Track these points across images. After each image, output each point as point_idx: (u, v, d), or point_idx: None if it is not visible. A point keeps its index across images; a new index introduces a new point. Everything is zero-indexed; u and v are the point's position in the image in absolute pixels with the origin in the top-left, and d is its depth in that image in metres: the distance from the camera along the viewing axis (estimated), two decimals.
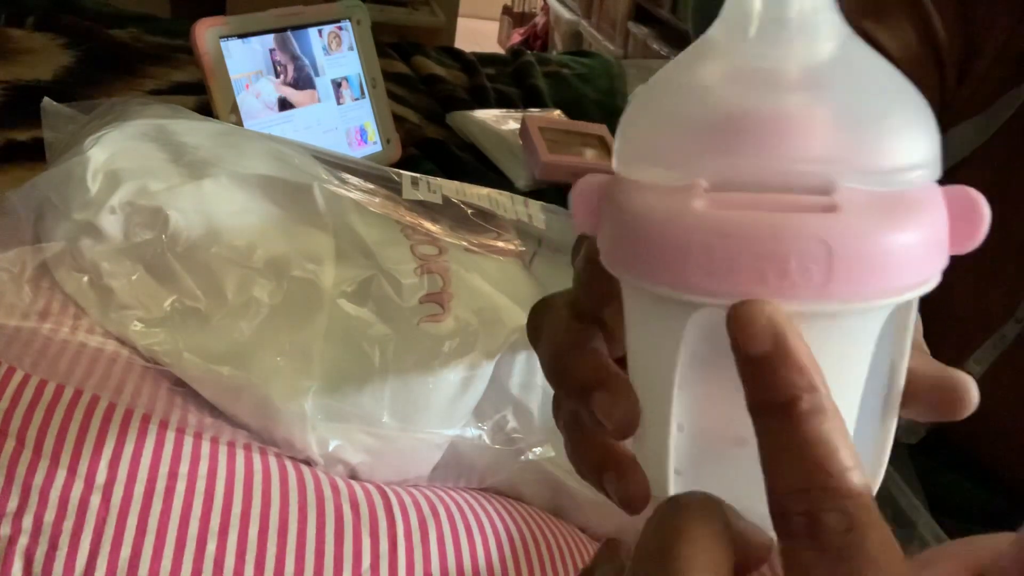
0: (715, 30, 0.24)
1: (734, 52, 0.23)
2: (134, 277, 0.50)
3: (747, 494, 0.23)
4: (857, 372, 0.23)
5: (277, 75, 0.83)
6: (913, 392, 0.25)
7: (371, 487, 0.48)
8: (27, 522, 0.39)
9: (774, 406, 0.20)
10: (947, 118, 0.52)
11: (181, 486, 0.42)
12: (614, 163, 0.24)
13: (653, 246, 0.21)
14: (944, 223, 0.22)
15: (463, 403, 0.52)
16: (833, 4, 0.23)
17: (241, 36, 0.80)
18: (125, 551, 0.40)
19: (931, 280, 0.23)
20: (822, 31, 0.23)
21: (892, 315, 0.23)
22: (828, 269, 0.20)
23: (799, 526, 0.19)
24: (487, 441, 0.53)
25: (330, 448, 0.48)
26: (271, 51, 0.83)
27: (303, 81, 0.86)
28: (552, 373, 0.27)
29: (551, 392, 0.28)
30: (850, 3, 0.56)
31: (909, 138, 0.22)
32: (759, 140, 0.21)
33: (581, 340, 0.26)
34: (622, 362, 0.26)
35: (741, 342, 0.20)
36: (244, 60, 0.81)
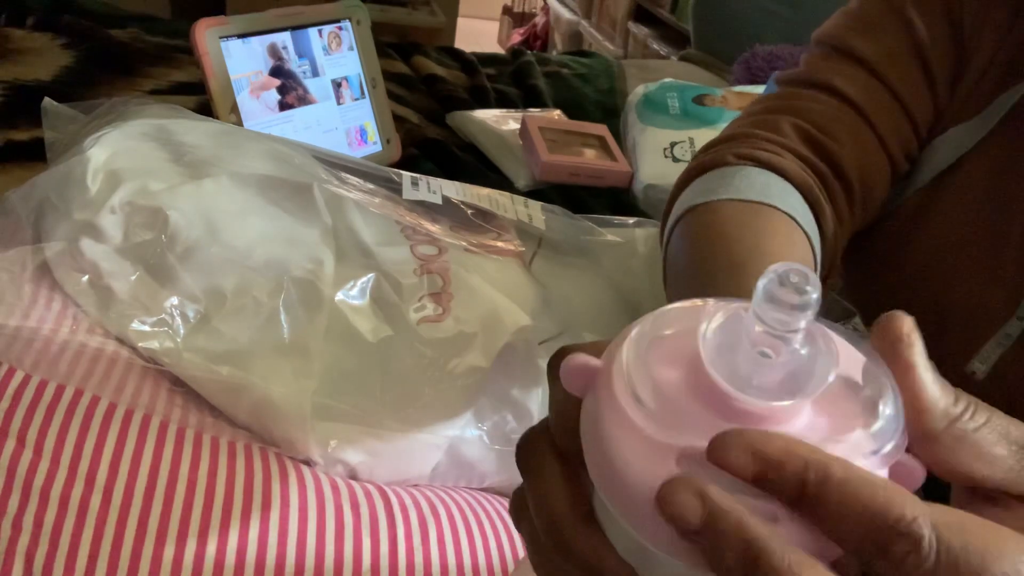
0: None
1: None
2: (134, 277, 0.50)
3: None
4: None
5: (276, 75, 0.83)
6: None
7: (371, 487, 0.48)
8: (27, 522, 0.39)
9: None
10: (942, 123, 0.53)
11: (181, 486, 0.42)
12: (619, 354, 0.24)
13: (628, 496, 0.23)
14: None
15: (463, 403, 0.52)
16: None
17: (241, 36, 0.80)
18: (125, 551, 0.40)
19: None
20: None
21: None
22: None
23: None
24: (487, 441, 0.53)
25: (330, 448, 0.48)
26: (271, 51, 0.83)
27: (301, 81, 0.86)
28: (550, 538, 0.27)
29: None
30: (836, 19, 0.57)
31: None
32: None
33: (578, 503, 0.26)
34: None
35: None
36: (244, 60, 0.81)
